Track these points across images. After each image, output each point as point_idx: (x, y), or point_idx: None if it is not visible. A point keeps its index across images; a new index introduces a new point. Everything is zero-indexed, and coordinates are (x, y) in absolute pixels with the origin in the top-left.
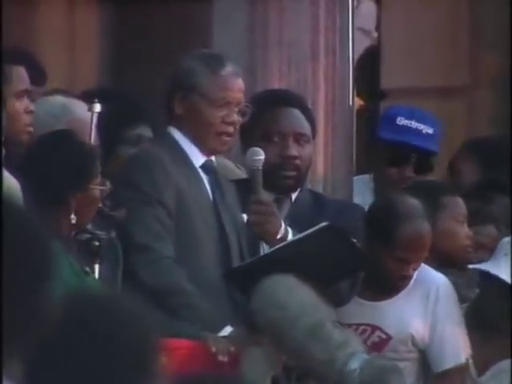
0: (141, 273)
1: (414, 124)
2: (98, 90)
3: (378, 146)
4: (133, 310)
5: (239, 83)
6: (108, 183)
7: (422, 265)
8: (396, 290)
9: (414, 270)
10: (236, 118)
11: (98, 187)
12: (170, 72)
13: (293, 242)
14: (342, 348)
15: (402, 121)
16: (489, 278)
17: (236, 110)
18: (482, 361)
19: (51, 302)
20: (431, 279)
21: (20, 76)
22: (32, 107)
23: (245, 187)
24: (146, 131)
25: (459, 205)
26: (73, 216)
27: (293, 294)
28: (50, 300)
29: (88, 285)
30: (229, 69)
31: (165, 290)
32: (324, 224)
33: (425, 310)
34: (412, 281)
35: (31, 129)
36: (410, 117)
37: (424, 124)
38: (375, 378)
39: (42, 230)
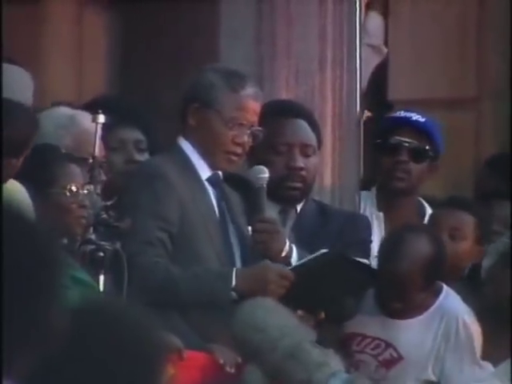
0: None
1: (402, 113)
2: (97, 101)
3: (375, 145)
4: (140, 321)
5: (257, 106)
6: (74, 186)
7: (450, 292)
8: (417, 312)
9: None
10: (246, 139)
11: (62, 191)
12: (188, 82)
13: (293, 268)
14: (321, 368)
15: (391, 115)
16: None
17: (248, 131)
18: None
19: (60, 312)
20: (454, 310)
21: None
22: None
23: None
24: (132, 135)
25: (451, 218)
26: None
27: (271, 317)
28: (59, 310)
29: (94, 295)
30: (249, 90)
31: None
32: (323, 251)
33: (441, 340)
34: (435, 306)
35: None
36: (399, 112)
37: (415, 114)
38: None
39: (52, 240)
